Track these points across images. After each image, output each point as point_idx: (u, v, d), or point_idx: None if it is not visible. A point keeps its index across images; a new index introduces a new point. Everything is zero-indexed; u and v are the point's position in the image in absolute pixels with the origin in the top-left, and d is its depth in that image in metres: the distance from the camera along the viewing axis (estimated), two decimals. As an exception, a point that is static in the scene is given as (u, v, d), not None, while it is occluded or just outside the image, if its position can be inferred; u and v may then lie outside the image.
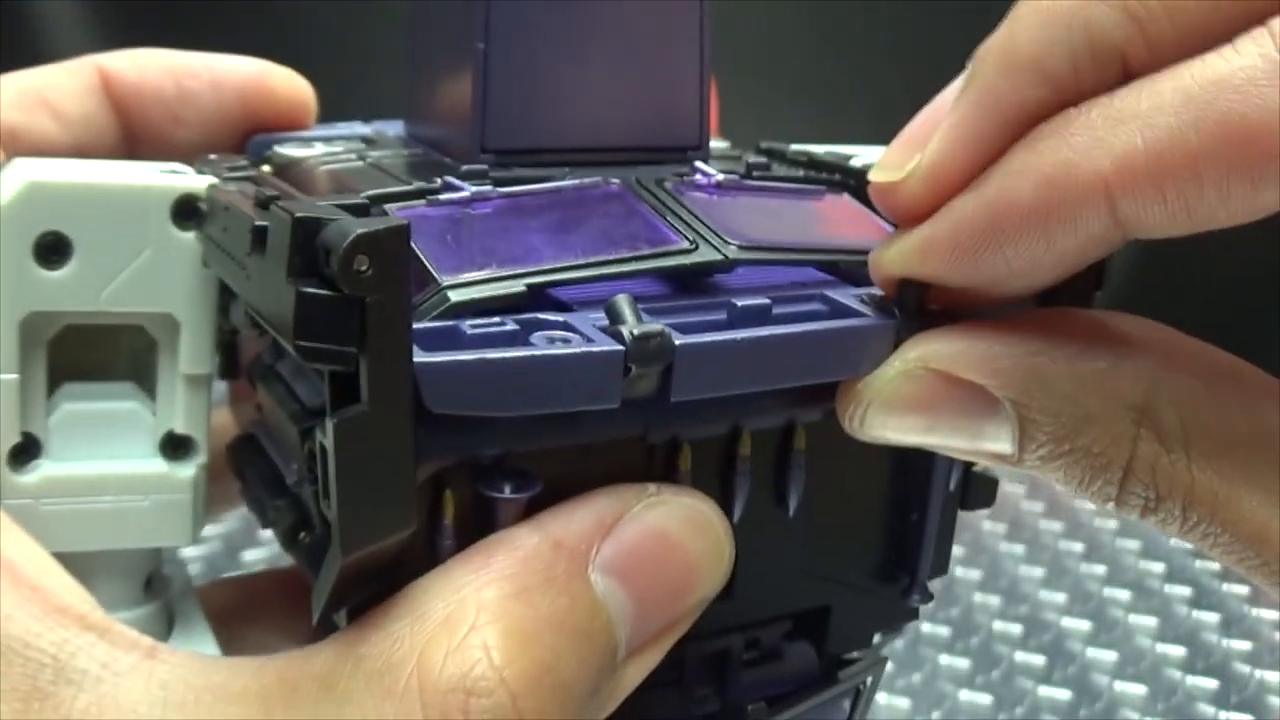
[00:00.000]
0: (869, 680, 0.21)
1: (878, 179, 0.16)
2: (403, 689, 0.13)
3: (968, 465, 0.21)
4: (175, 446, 0.19)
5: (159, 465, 0.19)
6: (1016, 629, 0.61)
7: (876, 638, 0.22)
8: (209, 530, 0.65)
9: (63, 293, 0.17)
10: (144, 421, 0.19)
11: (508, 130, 0.20)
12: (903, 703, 0.54)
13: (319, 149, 0.21)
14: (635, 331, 0.14)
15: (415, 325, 0.14)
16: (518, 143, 0.20)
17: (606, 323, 0.15)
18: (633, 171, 0.20)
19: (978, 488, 0.21)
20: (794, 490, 0.18)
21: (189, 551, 0.56)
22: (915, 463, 0.20)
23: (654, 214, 0.18)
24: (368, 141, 0.23)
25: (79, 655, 0.14)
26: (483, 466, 0.15)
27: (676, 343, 0.15)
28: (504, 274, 0.16)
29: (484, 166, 0.19)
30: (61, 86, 0.21)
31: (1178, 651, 0.59)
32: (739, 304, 0.16)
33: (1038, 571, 0.68)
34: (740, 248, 0.18)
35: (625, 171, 0.20)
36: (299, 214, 0.13)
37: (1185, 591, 0.66)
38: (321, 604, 0.15)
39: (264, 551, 0.61)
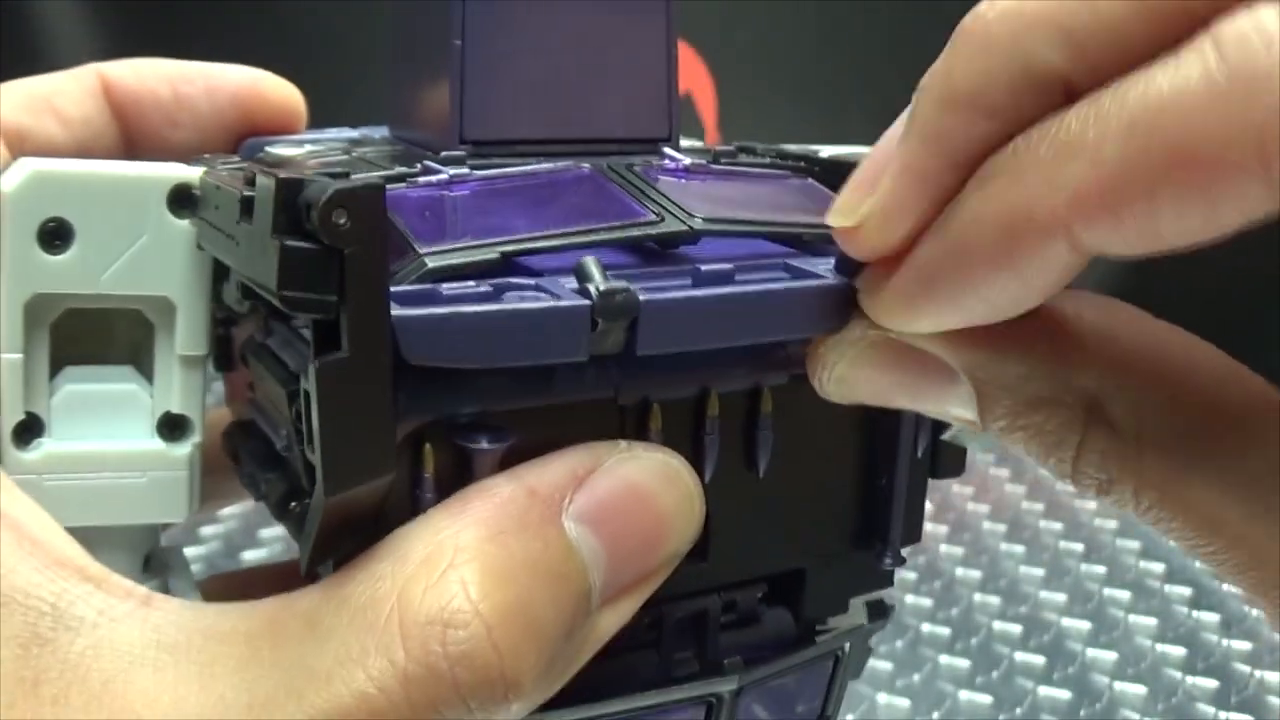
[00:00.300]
0: (847, 647, 0.21)
1: (834, 223, 0.16)
2: (384, 623, 0.14)
3: (936, 433, 0.21)
4: (172, 427, 0.20)
5: (156, 444, 0.19)
6: (1016, 629, 0.61)
7: (866, 628, 0.22)
8: (209, 530, 0.65)
9: (65, 276, 0.18)
10: (142, 402, 0.19)
11: (484, 122, 0.21)
12: (903, 703, 0.54)
13: (308, 149, 0.22)
14: (601, 288, 0.15)
15: (394, 288, 0.15)
16: (494, 134, 0.21)
17: (576, 285, 0.16)
18: (604, 160, 0.21)
19: (946, 456, 0.21)
20: (763, 452, 0.19)
21: (190, 551, 0.56)
22: (882, 428, 0.20)
23: (623, 192, 0.19)
24: (354, 142, 0.24)
25: (77, 603, 0.15)
26: (460, 425, 0.16)
27: (641, 298, 0.15)
28: (479, 243, 0.17)
29: (462, 153, 0.20)
30: (65, 92, 0.22)
31: (1178, 651, 0.59)
32: (703, 269, 0.17)
33: (1038, 571, 0.68)
34: (705, 220, 0.18)
35: (598, 160, 0.21)
36: (282, 176, 0.14)
37: (1185, 591, 0.66)
38: (308, 552, 0.15)
39: (264, 551, 0.61)
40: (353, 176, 0.14)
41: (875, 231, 0.16)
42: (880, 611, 0.23)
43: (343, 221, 0.13)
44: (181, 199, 0.19)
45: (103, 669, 0.14)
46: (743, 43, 1.20)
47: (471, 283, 0.16)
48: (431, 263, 0.16)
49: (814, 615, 0.21)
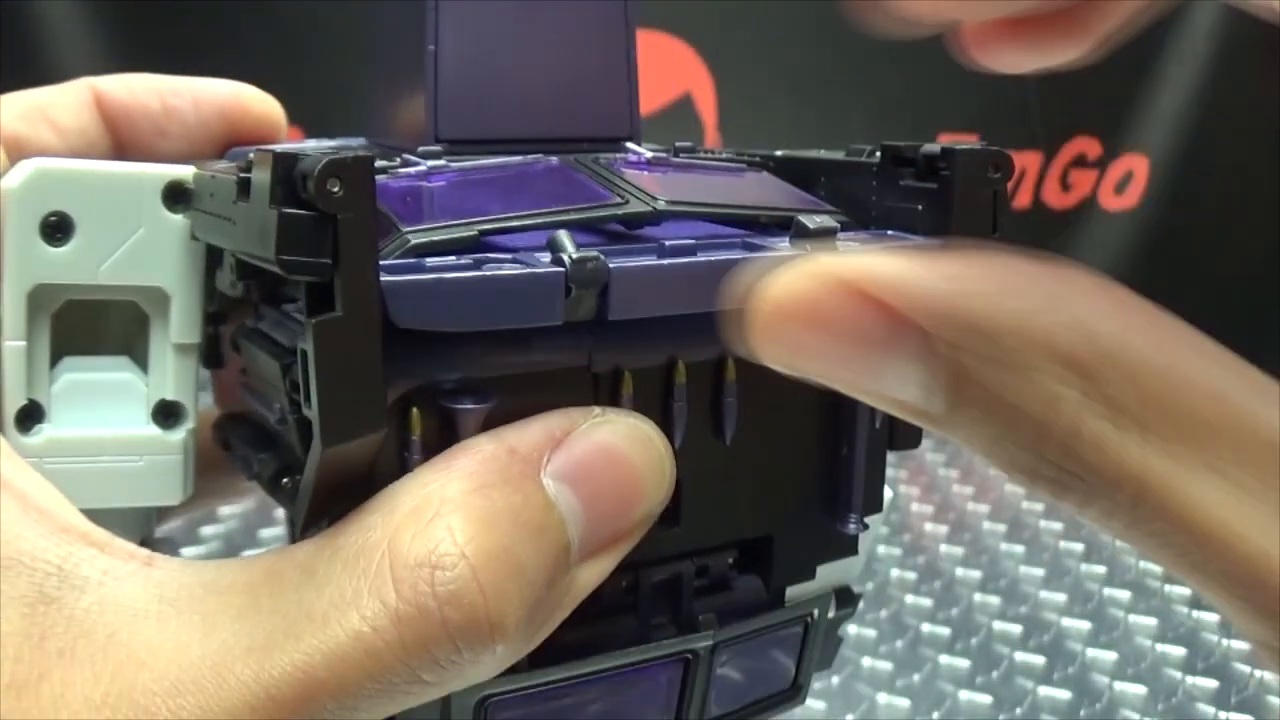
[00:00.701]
0: (816, 613, 0.22)
1: None
2: (375, 568, 0.15)
3: None
4: (166, 414, 0.20)
5: (152, 430, 0.20)
6: (1016, 629, 0.61)
7: (836, 615, 0.23)
8: (209, 530, 0.65)
9: (65, 267, 0.19)
10: (137, 390, 0.20)
11: (458, 122, 0.22)
12: (903, 703, 0.54)
13: None
14: (574, 256, 0.16)
15: (381, 261, 0.16)
16: (467, 133, 0.22)
17: (549, 258, 0.17)
18: (571, 155, 0.22)
19: (903, 428, 0.21)
20: (729, 420, 0.20)
21: (191, 551, 0.56)
22: (842, 400, 0.20)
23: (590, 180, 0.21)
24: (333, 149, 0.25)
25: (82, 565, 0.16)
26: (445, 390, 0.17)
27: (611, 265, 0.17)
28: (457, 223, 0.18)
29: (439, 149, 0.21)
30: (60, 103, 0.23)
31: (1178, 651, 0.59)
32: (668, 244, 0.18)
33: (1038, 571, 0.68)
34: (668, 202, 0.19)
35: (565, 155, 0.22)
36: (278, 151, 0.15)
37: (1185, 591, 0.66)
38: (303, 511, 0.16)
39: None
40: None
41: None
42: (848, 599, 0.23)
43: (336, 189, 0.14)
44: (175, 194, 0.20)
45: (108, 623, 0.15)
46: (743, 43, 1.20)
47: (452, 257, 0.17)
48: (414, 239, 0.17)
49: (783, 582, 0.22)
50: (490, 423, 0.17)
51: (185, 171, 0.20)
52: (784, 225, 0.19)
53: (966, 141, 0.19)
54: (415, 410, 0.17)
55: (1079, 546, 0.71)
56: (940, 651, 0.59)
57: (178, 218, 0.20)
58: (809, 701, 0.58)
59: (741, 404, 0.20)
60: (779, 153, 0.24)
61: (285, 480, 0.18)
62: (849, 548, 0.22)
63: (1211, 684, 0.56)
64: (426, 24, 0.22)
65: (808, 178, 0.23)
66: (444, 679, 0.15)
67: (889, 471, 0.22)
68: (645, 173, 0.22)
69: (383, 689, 0.15)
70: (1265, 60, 1.20)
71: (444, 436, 0.17)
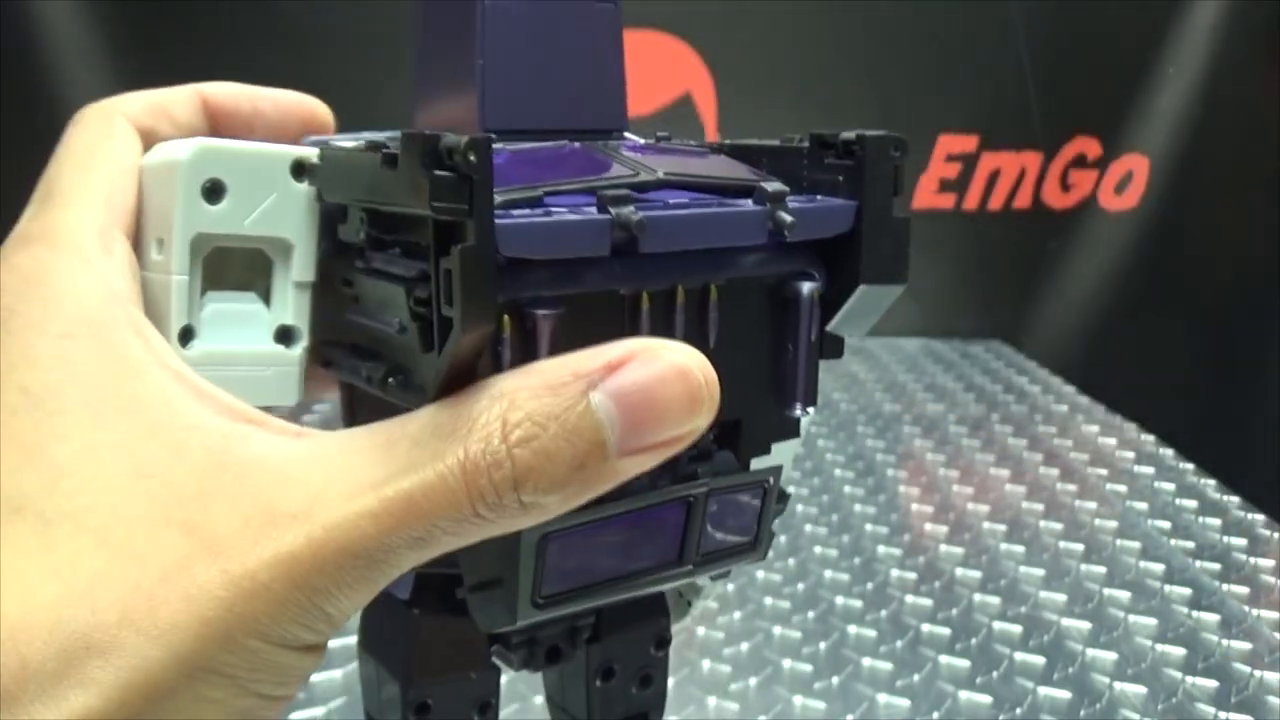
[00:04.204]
0: (771, 480, 0.29)
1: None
2: (459, 437, 0.21)
3: (823, 324, 0.28)
4: (286, 336, 0.27)
5: (276, 347, 0.27)
6: (1016, 629, 0.61)
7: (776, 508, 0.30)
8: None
9: (219, 220, 0.26)
10: (264, 318, 0.27)
11: (501, 114, 0.29)
12: (903, 703, 0.54)
13: (358, 143, 0.29)
14: (616, 208, 0.24)
15: None
16: (507, 124, 0.29)
17: (596, 208, 0.24)
18: (587, 142, 0.30)
19: (829, 342, 0.29)
20: (712, 330, 0.27)
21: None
22: (789, 317, 0.28)
23: (607, 158, 0.28)
24: (390, 139, 0.30)
25: (243, 431, 0.22)
26: (524, 304, 0.24)
27: (637, 215, 0.24)
28: (524, 186, 0.24)
29: (492, 135, 0.26)
30: (177, 102, 0.30)
31: (1178, 651, 0.59)
32: (670, 201, 0.26)
33: (1038, 571, 0.68)
34: (665, 173, 0.27)
35: (584, 142, 0.30)
36: (425, 133, 0.21)
37: (1185, 592, 0.66)
38: (435, 388, 0.22)
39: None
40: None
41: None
42: (781, 498, 0.30)
43: (472, 158, 0.21)
44: (299, 170, 0.26)
45: (265, 466, 0.21)
46: (743, 43, 1.20)
47: (526, 210, 0.23)
48: (498, 198, 0.22)
49: (748, 455, 0.29)
50: (556, 327, 0.23)
51: (309, 153, 0.26)
52: (743, 191, 0.27)
53: (877, 131, 0.27)
54: (507, 317, 0.23)
55: (1079, 547, 0.71)
56: (940, 651, 0.59)
57: (302, 186, 0.26)
58: (809, 702, 0.58)
59: (720, 319, 0.27)
60: (728, 141, 0.31)
61: (391, 380, 0.24)
62: (794, 430, 0.30)
63: (1211, 684, 0.56)
64: (476, 28, 0.28)
65: (753, 159, 0.30)
66: (496, 517, 0.21)
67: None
68: (641, 154, 0.29)
69: (456, 518, 0.21)
70: (1265, 60, 1.20)
71: (526, 338, 0.24)
